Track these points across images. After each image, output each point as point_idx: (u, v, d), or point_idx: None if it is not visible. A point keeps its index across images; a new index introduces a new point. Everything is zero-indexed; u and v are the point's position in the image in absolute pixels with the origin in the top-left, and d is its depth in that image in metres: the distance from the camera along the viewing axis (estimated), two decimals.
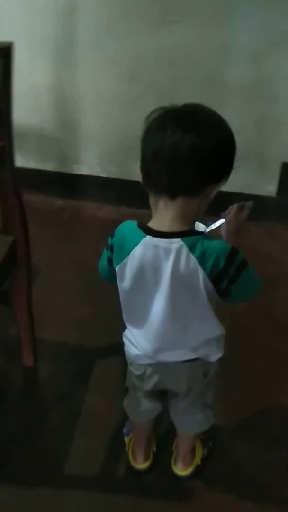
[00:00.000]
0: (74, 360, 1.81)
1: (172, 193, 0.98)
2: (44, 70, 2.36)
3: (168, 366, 1.19)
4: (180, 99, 2.29)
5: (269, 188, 2.52)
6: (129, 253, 1.05)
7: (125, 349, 1.24)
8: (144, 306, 1.11)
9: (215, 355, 1.21)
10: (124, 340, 1.23)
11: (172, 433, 1.48)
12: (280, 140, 2.40)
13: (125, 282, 1.10)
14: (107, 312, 1.64)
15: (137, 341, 1.18)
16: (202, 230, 1.26)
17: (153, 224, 1.03)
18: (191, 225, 1.04)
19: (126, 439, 1.54)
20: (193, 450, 1.48)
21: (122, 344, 1.26)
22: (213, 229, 1.26)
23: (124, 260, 1.07)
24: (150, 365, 1.21)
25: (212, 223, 1.25)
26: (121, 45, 2.25)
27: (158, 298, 1.08)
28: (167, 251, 1.01)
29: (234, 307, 1.41)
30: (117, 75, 2.32)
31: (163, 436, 1.55)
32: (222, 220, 1.22)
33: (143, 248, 1.03)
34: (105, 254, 1.14)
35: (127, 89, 2.34)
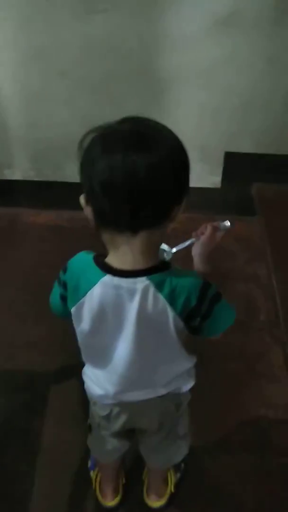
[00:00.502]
0: (27, 389, 1.66)
1: (135, 229, 0.84)
2: None
3: (136, 404, 1.08)
4: (114, 93, 2.19)
5: (214, 179, 2.43)
6: (86, 293, 0.92)
7: (85, 388, 1.11)
8: (106, 348, 0.98)
9: (187, 385, 1.10)
10: (84, 378, 1.10)
11: (141, 459, 1.37)
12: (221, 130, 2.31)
13: (83, 324, 0.96)
14: (60, 331, 1.46)
15: (100, 382, 1.06)
16: (167, 251, 1.14)
17: (112, 261, 0.90)
18: (156, 256, 0.91)
19: (91, 473, 1.42)
20: (165, 479, 1.37)
21: (79, 369, 1.13)
22: (180, 249, 1.14)
23: (81, 301, 0.93)
24: (116, 404, 1.09)
25: (180, 244, 1.14)
26: (44, 38, 2.07)
27: (123, 340, 0.95)
28: (132, 292, 0.89)
29: None
30: (44, 71, 2.14)
31: (132, 462, 1.44)
32: (191, 240, 1.10)
33: (103, 289, 0.90)
34: (57, 290, 1.00)
35: (56, 85, 2.17)
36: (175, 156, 0.85)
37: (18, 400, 1.62)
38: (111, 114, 2.23)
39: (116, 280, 0.89)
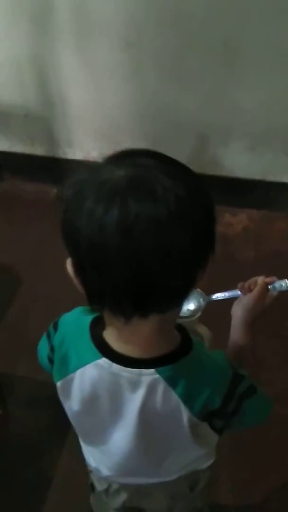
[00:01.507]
0: (52, 406, 1.52)
1: (141, 315, 0.62)
2: (20, 37, 1.96)
3: (139, 484, 0.89)
4: (184, 69, 1.91)
5: None
6: (75, 370, 0.72)
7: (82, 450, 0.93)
8: (99, 432, 0.80)
9: (206, 463, 0.89)
10: (80, 441, 0.92)
11: None
12: None
13: (71, 402, 0.77)
14: None
15: (95, 460, 0.88)
16: (203, 296, 0.91)
17: (113, 339, 0.68)
18: (170, 339, 0.69)
19: None
20: None
21: None
22: (219, 299, 0.90)
23: (69, 377, 0.74)
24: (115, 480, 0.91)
25: (222, 293, 0.90)
26: (111, 5, 1.82)
27: (120, 429, 0.76)
28: (135, 384, 0.68)
29: None
30: (108, 42, 1.90)
31: None
32: (235, 293, 0.87)
33: (98, 372, 0.70)
34: (45, 346, 0.81)
35: (122, 57, 1.92)
36: (196, 206, 0.60)
37: (42, 418, 1.48)
38: (179, 92, 1.91)
39: (116, 367, 0.68)
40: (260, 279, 0.84)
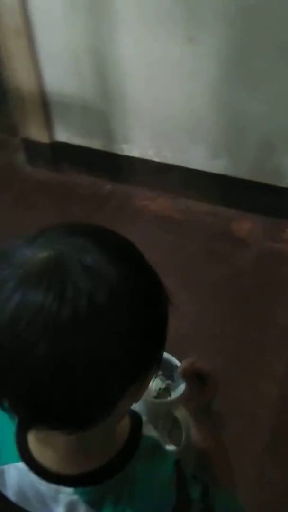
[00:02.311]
0: None
1: (50, 428, 0.50)
2: (79, 28, 1.85)
3: None
4: (250, 69, 1.72)
5: None
6: (3, 464, 0.63)
7: None
8: None
9: None
10: None
11: None
12: None
13: (7, 492, 0.68)
14: None
15: None
16: (174, 374, 0.78)
17: (36, 442, 0.58)
18: (102, 450, 0.57)
19: None
20: None
21: None
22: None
23: (1, 468, 0.64)
24: None
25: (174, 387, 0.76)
26: None
27: None
28: (54, 500, 0.58)
29: None
30: (168, 36, 1.74)
31: None
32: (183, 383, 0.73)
33: (19, 474, 0.60)
34: None
35: (182, 53, 1.76)
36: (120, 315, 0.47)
37: None
38: (244, 94, 1.72)
39: (33, 477, 0.58)
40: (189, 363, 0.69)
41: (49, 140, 2.22)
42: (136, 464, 0.58)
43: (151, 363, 0.52)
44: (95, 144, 2.16)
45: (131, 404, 0.57)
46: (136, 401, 0.56)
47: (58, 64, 1.98)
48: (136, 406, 0.62)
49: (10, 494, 0.66)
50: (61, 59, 1.97)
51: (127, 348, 0.48)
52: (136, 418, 0.62)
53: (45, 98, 2.10)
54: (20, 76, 2.04)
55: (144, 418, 0.63)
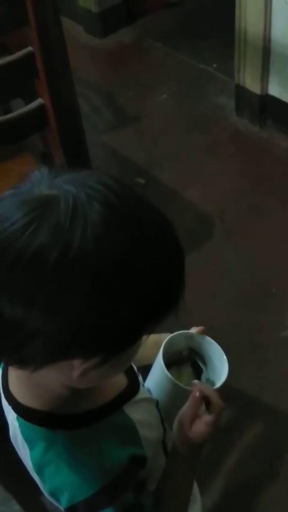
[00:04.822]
0: None
1: None
2: None
3: None
4: None
5: None
6: None
7: None
8: None
9: None
10: None
11: None
12: None
13: None
14: None
15: None
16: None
17: None
18: (48, 394, 0.55)
19: None
20: None
21: None
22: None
23: None
24: None
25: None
26: None
27: None
28: (7, 414, 0.60)
29: None
30: None
31: None
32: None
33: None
34: None
35: None
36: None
37: None
38: None
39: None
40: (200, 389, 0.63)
41: (260, 91, 2.10)
42: (92, 430, 0.55)
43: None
44: None
45: (102, 375, 0.52)
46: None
47: None
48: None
49: None
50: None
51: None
52: (128, 394, 0.60)
53: (267, 46, 1.97)
54: (249, 17, 1.94)
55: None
